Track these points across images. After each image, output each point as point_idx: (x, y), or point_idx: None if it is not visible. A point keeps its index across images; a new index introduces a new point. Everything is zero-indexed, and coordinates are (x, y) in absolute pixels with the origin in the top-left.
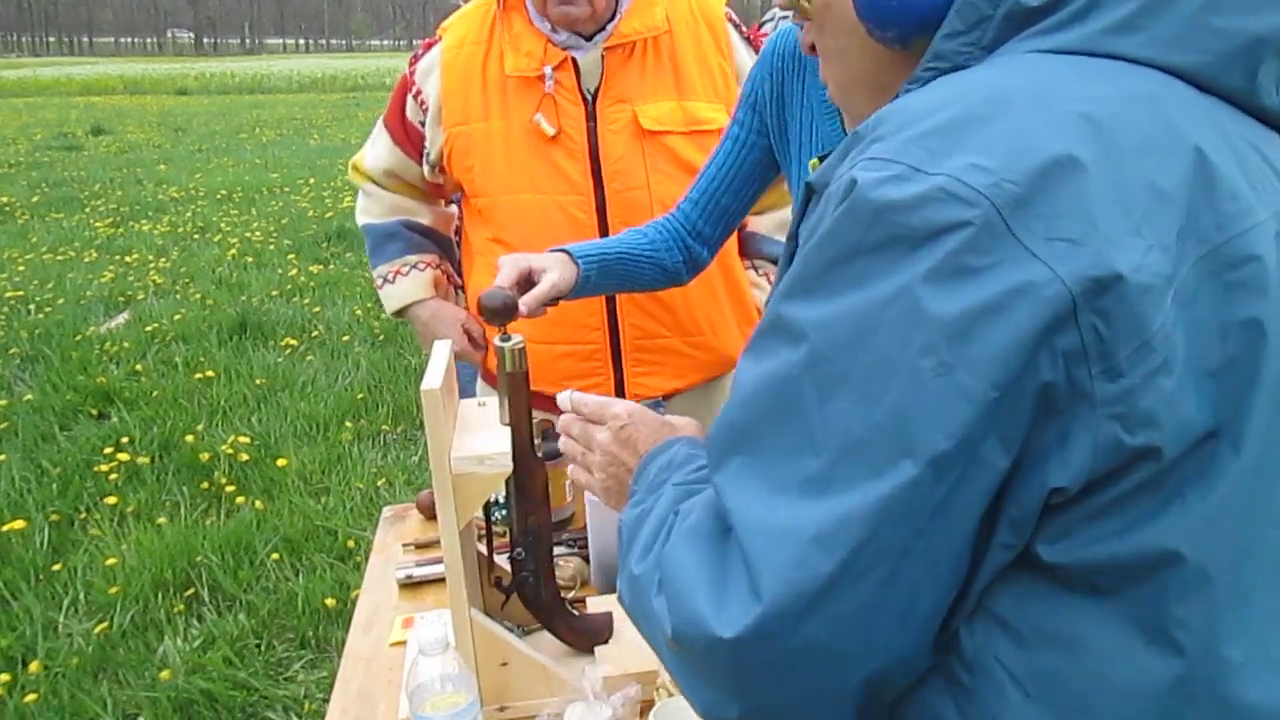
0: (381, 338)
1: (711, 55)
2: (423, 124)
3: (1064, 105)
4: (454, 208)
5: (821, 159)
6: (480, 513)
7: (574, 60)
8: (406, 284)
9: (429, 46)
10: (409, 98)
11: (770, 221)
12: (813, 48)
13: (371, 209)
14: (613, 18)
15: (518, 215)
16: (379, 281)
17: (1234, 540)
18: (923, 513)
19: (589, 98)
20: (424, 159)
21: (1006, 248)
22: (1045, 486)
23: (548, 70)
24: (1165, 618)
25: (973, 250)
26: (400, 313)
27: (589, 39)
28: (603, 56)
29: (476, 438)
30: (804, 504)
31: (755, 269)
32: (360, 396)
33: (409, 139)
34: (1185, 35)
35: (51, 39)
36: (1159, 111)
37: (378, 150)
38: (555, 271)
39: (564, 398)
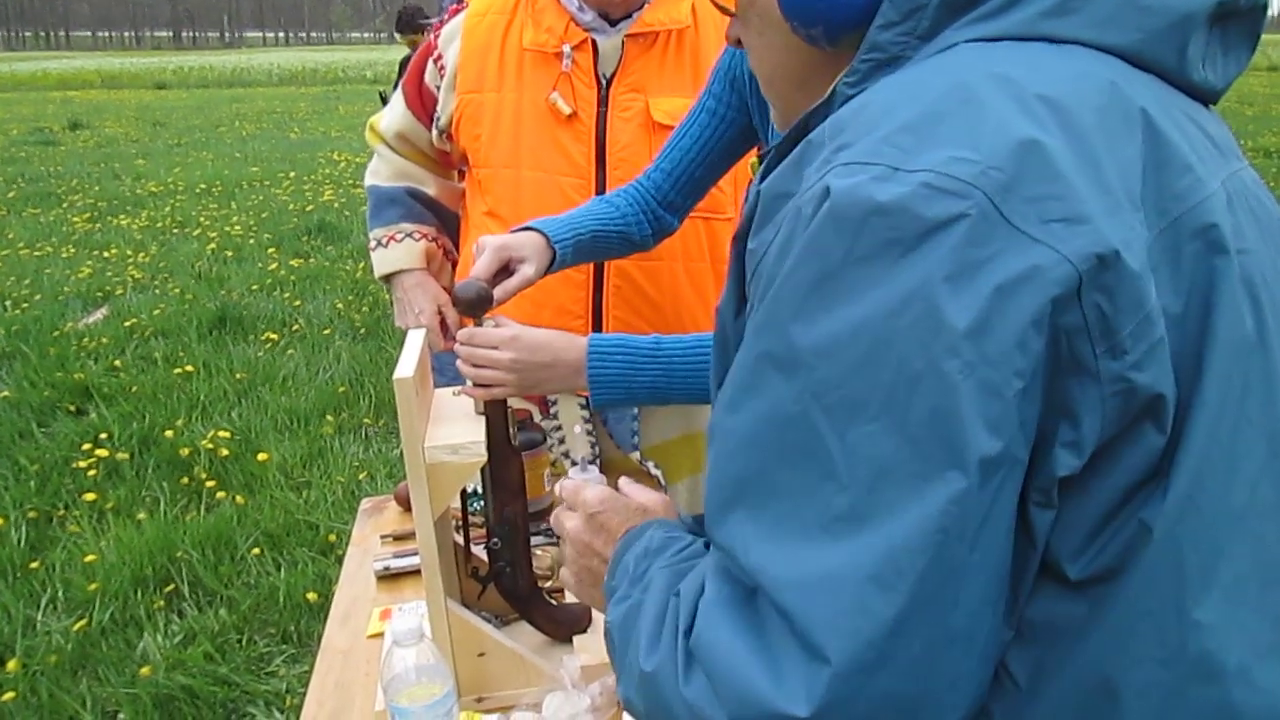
0: (363, 331)
1: None
2: (438, 89)
3: (1023, 90)
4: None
5: (761, 157)
6: (458, 503)
7: (594, 42)
8: (398, 251)
9: (454, 12)
10: (429, 62)
11: None
12: (739, 41)
13: (380, 171)
14: (640, 7)
15: (516, 190)
16: (372, 244)
17: (1201, 507)
18: (974, 524)
19: (603, 82)
20: (434, 124)
21: (1005, 235)
22: (1056, 473)
23: (566, 49)
24: (1142, 593)
25: (973, 243)
26: (387, 279)
27: (613, 24)
28: (623, 43)
29: (451, 427)
30: (841, 545)
31: None
32: (341, 390)
33: (422, 104)
34: (1117, 15)
35: (27, 33)
36: (1110, 89)
37: (393, 112)
38: (531, 265)
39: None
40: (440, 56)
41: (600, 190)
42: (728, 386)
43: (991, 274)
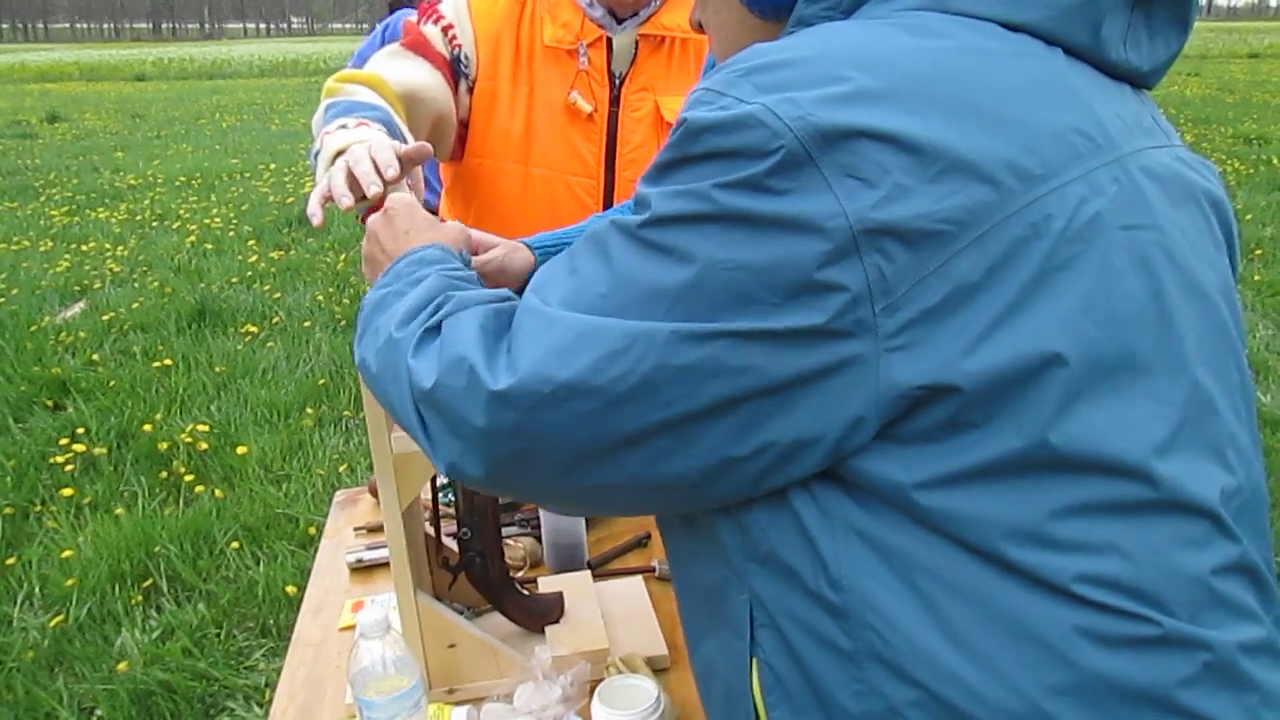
0: (343, 323)
1: None
2: (455, 61)
3: (890, 56)
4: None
5: None
6: (428, 494)
7: (609, 40)
8: (369, 131)
9: None
10: (431, 24)
11: None
12: (700, 26)
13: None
14: (648, 5)
15: (523, 187)
16: (332, 128)
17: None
18: (672, 366)
19: (616, 81)
20: (462, 79)
21: (807, 176)
22: (845, 413)
23: (582, 46)
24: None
25: (775, 174)
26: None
27: (619, 22)
28: (637, 42)
29: None
30: (584, 315)
31: None
32: (322, 382)
33: (449, 71)
34: None
35: (5, 25)
36: (988, 64)
37: (401, 66)
38: (500, 251)
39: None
40: (450, 26)
41: (609, 190)
42: None
43: (778, 203)
